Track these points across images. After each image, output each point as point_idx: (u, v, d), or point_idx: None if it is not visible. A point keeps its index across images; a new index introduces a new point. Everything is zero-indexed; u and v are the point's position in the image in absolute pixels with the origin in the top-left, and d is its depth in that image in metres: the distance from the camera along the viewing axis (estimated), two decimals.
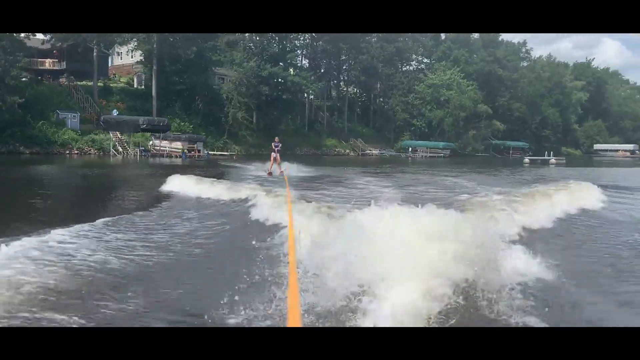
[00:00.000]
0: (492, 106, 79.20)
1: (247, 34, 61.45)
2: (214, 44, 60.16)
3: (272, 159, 26.10)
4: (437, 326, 4.40)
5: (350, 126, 74.80)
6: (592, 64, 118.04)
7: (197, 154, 46.96)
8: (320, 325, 4.45)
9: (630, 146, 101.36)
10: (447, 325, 4.47)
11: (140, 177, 26.43)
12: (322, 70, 74.90)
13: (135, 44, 57.90)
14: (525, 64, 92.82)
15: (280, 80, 60.97)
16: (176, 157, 45.30)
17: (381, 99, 79.41)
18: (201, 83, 59.13)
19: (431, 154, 67.36)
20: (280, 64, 62.32)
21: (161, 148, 47.69)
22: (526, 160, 52.43)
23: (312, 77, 67.05)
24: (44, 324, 4.59)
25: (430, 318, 4.54)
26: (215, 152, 51.17)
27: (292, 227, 5.70)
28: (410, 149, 69.84)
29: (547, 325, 4.56)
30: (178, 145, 47.49)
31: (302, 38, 68.95)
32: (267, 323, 4.67)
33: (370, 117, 78.64)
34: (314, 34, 66.92)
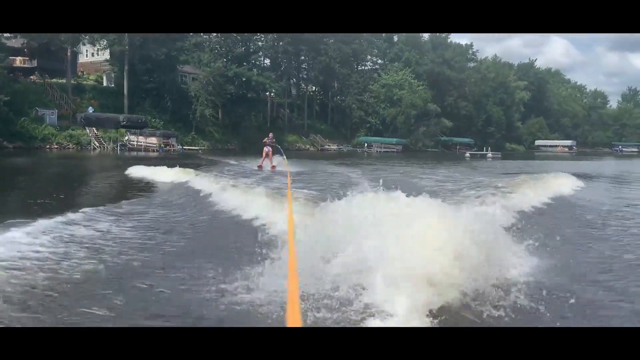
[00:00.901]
0: (440, 105, 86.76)
1: (213, 35, 66.62)
2: (182, 44, 65.09)
3: (264, 153, 27.00)
4: (437, 326, 4.45)
5: (309, 123, 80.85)
6: (535, 65, 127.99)
7: (172, 148, 51.99)
8: (321, 325, 4.48)
9: (568, 142, 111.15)
10: (447, 326, 4.49)
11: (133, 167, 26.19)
12: (283, 69, 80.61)
13: (105, 43, 62.01)
14: (472, 64, 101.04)
15: (244, 79, 66.29)
16: (153, 151, 50.18)
17: (338, 97, 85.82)
18: (170, 82, 63.92)
19: (385, 149, 74.11)
20: (244, 64, 67.73)
21: (137, 143, 52.41)
22: (467, 154, 59.92)
23: (274, 76, 72.76)
24: (31, 324, 4.57)
25: (429, 316, 4.67)
26: (188, 147, 56.21)
27: (292, 223, 5.80)
28: (365, 144, 76.36)
29: (547, 326, 4.56)
30: (153, 140, 52.29)
31: (264, 39, 74.44)
32: (267, 313, 4.85)
33: (328, 114, 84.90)
34: (275, 35, 72.40)
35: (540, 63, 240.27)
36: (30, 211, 11.40)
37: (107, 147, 51.58)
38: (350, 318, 4.73)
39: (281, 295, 5.06)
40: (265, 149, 26.77)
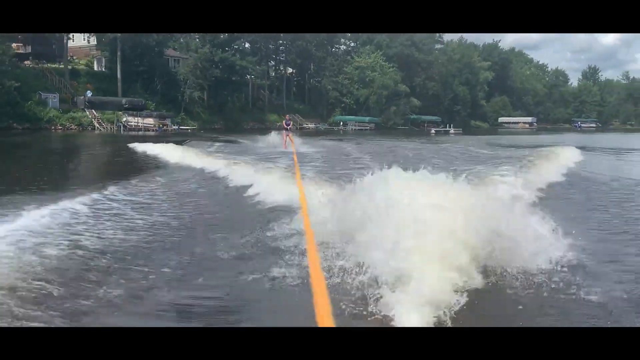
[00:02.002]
0: (410, 85, 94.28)
1: None
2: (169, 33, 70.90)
3: (284, 136, 28.41)
4: (437, 326, 4.49)
5: (288, 103, 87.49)
6: (500, 46, 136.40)
7: (168, 128, 58.33)
8: (346, 325, 4.40)
9: (528, 119, 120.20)
10: (448, 326, 4.54)
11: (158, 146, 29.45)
12: (262, 53, 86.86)
13: None
14: (438, 47, 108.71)
15: (229, 64, 72.56)
16: (151, 130, 56.40)
17: (314, 79, 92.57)
18: (159, 66, 69.83)
19: (359, 127, 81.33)
20: (227, 49, 73.89)
21: (135, 124, 58.50)
22: (432, 131, 67.79)
23: (255, 60, 79.12)
24: (32, 323, 4.64)
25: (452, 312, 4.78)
26: (183, 127, 62.54)
27: (308, 217, 5.92)
28: (341, 122, 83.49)
29: (548, 326, 4.66)
30: (150, 121, 58.43)
31: None
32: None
33: (305, 95, 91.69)
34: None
35: (509, 40, 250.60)
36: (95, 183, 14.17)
37: (107, 128, 57.61)
38: (367, 315, 4.82)
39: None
40: (285, 132, 28.52)
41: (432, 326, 4.42)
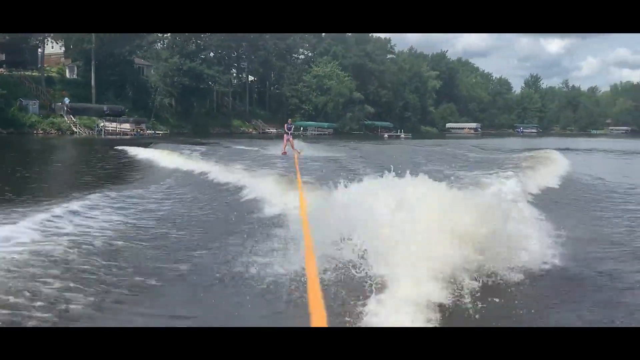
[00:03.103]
0: (364, 93, 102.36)
1: (167, 35, 78.55)
2: (139, 42, 76.67)
3: (285, 140, 28.01)
4: (437, 326, 4.55)
5: (250, 109, 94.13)
6: (447, 56, 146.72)
7: (144, 132, 64.10)
8: (340, 326, 4.57)
9: (473, 125, 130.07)
10: (447, 326, 4.57)
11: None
12: (226, 61, 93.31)
13: (74, 38, 72.34)
14: (390, 57, 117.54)
15: (197, 73, 78.85)
16: (130, 135, 61.94)
17: (275, 87, 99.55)
18: (130, 74, 75.46)
19: (318, 132, 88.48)
20: (195, 59, 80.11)
21: (112, 129, 63.92)
22: (386, 135, 75.82)
23: (220, 68, 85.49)
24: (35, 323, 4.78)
25: (434, 314, 4.85)
26: (159, 132, 68.35)
27: (307, 223, 5.83)
28: (301, 128, 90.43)
29: (547, 326, 4.76)
30: (127, 126, 63.99)
31: (209, 37, 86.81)
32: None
33: (266, 102, 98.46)
34: (219, 34, 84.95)
35: (460, 47, 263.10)
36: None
37: (85, 132, 62.86)
38: (359, 315, 4.88)
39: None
40: (286, 135, 28.25)
41: (420, 326, 4.43)
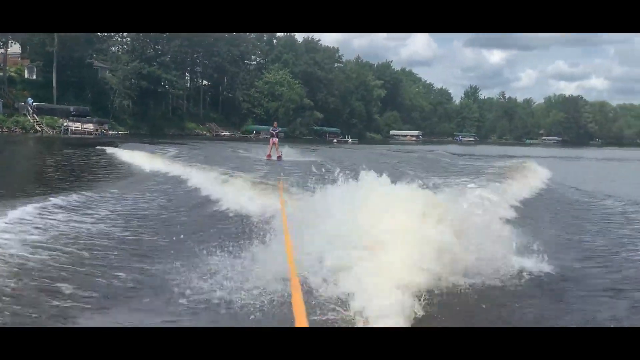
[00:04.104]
0: (313, 99, 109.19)
1: (127, 39, 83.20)
2: (100, 46, 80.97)
3: (270, 143, 27.46)
4: (437, 326, 4.60)
5: (204, 112, 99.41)
6: (391, 66, 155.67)
7: (107, 132, 68.59)
8: (321, 326, 4.68)
9: (415, 132, 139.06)
10: (444, 326, 4.59)
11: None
12: (181, 66, 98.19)
13: (36, 40, 75.76)
14: (338, 65, 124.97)
15: (155, 77, 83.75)
16: (94, 134, 66.23)
17: (228, 91, 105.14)
18: (89, 77, 79.59)
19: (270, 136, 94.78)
20: (154, 63, 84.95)
21: (75, 128, 68.05)
22: (335, 140, 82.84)
23: (177, 73, 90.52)
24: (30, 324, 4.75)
25: (421, 317, 4.93)
26: (121, 132, 72.86)
27: (287, 226, 5.93)
28: (254, 131, 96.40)
29: (547, 325, 4.85)
30: (90, 126, 68.31)
31: (166, 42, 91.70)
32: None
33: (219, 105, 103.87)
34: (176, 40, 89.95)
35: (404, 55, 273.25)
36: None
37: (48, 132, 66.74)
38: (343, 318, 4.93)
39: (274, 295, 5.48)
40: (272, 138, 27.82)
41: (398, 326, 4.41)
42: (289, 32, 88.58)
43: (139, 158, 26.60)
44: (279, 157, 26.99)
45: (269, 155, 27.33)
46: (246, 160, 27.13)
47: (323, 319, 4.98)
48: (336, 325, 4.76)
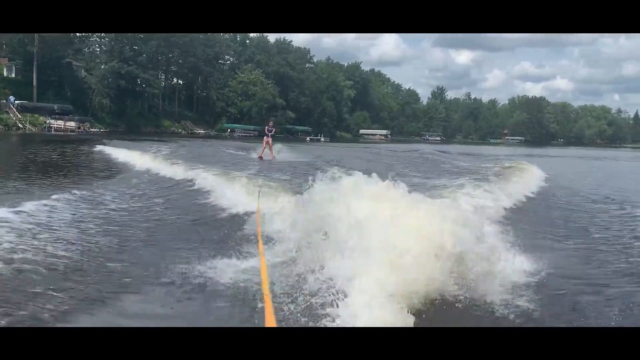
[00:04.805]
0: (285, 99, 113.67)
1: (105, 39, 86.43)
2: (79, 46, 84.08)
3: (264, 142, 27.03)
4: (437, 326, 4.52)
5: (179, 111, 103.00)
6: (361, 66, 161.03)
7: (89, 129, 71.86)
8: (297, 325, 4.68)
9: (384, 131, 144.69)
10: (442, 326, 4.61)
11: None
12: (157, 65, 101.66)
13: (16, 40, 78.50)
14: (309, 66, 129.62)
15: (133, 76, 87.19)
16: (76, 132, 69.31)
17: (202, 90, 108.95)
18: (68, 76, 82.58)
19: (244, 134, 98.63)
20: (131, 63, 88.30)
21: (57, 126, 71.06)
22: (307, 139, 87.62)
23: (153, 72, 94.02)
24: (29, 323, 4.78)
25: (409, 314, 4.88)
26: (103, 130, 76.11)
27: (260, 225, 6.16)
28: (229, 130, 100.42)
29: (546, 326, 4.90)
30: (72, 124, 71.35)
31: (144, 43, 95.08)
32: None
33: (194, 104, 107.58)
34: (152, 40, 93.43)
35: (374, 55, 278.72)
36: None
37: (30, 129, 69.65)
38: (325, 316, 4.89)
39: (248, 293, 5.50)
40: (265, 138, 27.22)
41: (386, 326, 4.33)
42: (259, 32, 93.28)
43: (136, 157, 25.81)
44: (273, 157, 26.68)
45: (261, 156, 26.71)
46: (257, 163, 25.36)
47: (318, 319, 4.89)
48: (335, 325, 4.68)
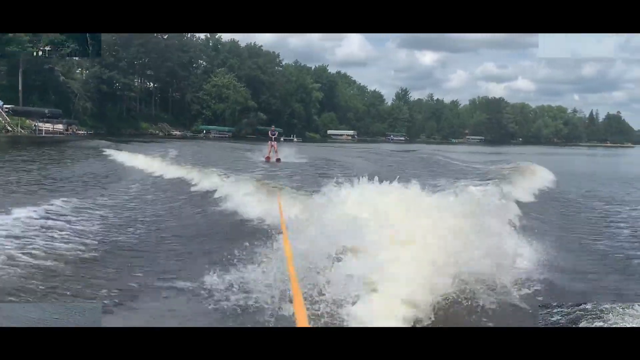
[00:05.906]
0: (257, 101, 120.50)
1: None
2: (63, 52, 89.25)
3: (269, 145, 28.27)
4: (435, 327, 4.73)
5: (156, 113, 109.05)
6: (327, 69, 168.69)
7: (77, 132, 77.43)
8: (327, 325, 4.80)
9: (350, 132, 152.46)
10: (446, 326, 4.75)
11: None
12: (134, 69, 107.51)
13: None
14: (278, 69, 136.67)
15: (114, 81, 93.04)
16: (65, 134, 74.73)
17: (177, 94, 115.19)
18: (52, 80, 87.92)
19: (219, 135, 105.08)
20: (113, 68, 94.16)
21: (46, 129, 76.34)
22: (281, 139, 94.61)
23: (131, 77, 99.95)
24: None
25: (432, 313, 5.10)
26: (89, 132, 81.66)
27: (285, 227, 6.01)
28: (204, 131, 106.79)
29: (546, 325, 4.77)
30: (60, 126, 76.88)
31: (123, 49, 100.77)
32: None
33: (169, 107, 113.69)
34: (132, 46, 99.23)
35: (340, 56, 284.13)
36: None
37: (23, 131, 74.72)
38: (349, 316, 5.01)
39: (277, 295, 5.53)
40: (270, 141, 28.72)
41: (405, 326, 4.54)
42: (228, 32, 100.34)
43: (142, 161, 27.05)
44: (278, 160, 28.20)
45: (268, 157, 28.45)
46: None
47: (323, 320, 5.06)
48: (336, 325, 4.79)
